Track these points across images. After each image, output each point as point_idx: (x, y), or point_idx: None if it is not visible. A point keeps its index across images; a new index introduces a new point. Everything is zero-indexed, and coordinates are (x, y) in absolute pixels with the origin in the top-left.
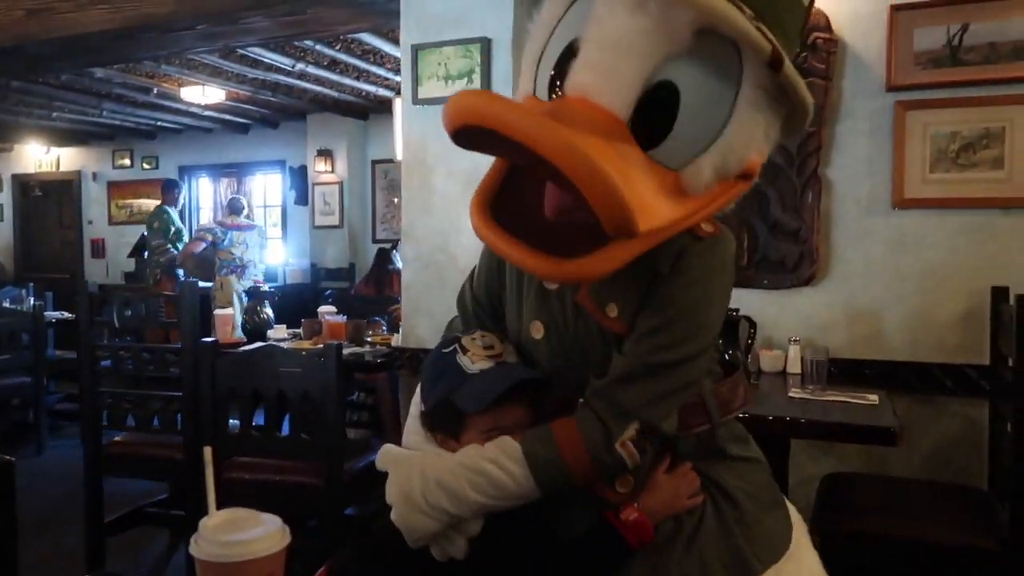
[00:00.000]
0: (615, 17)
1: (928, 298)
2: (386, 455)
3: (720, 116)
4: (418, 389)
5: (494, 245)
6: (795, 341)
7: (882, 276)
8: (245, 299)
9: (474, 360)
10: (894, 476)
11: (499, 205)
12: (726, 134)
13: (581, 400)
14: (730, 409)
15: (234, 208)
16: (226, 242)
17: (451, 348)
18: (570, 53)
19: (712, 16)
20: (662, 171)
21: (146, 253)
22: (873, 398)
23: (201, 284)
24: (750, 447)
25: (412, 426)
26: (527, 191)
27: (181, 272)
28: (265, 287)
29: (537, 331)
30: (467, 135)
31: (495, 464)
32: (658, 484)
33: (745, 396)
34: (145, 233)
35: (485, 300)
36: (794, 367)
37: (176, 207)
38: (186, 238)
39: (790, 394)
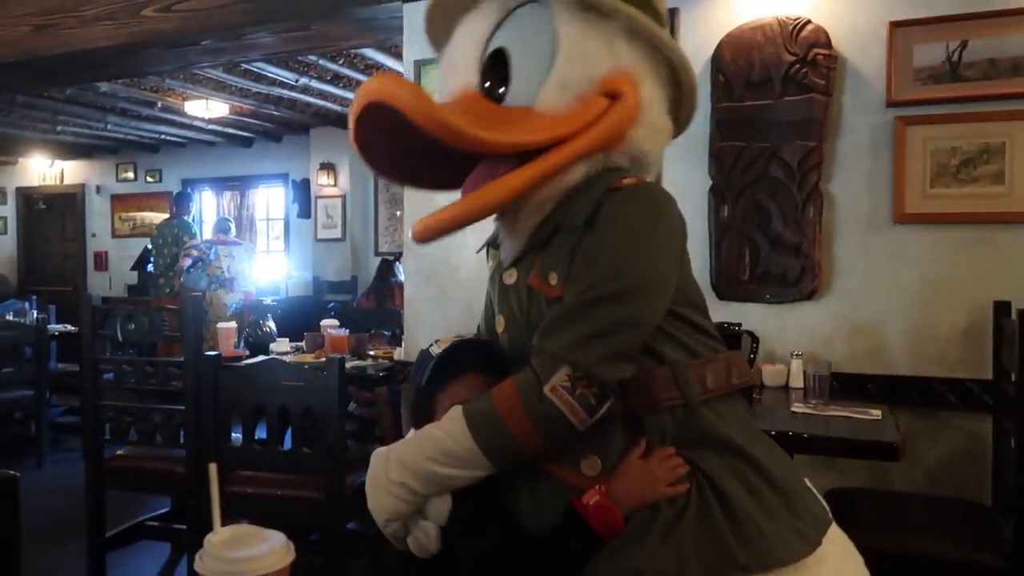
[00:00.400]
0: (460, 30)
1: (930, 312)
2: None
3: (547, 47)
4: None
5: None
6: (797, 355)
7: (884, 290)
8: (234, 312)
9: (441, 346)
10: (897, 491)
11: None
12: (558, 56)
13: None
14: (708, 388)
15: (221, 228)
16: (211, 257)
17: (429, 345)
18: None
19: None
20: (517, 110)
21: (150, 266)
22: (876, 413)
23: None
24: (768, 447)
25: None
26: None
27: (195, 278)
28: (262, 299)
29: (500, 325)
30: (367, 116)
31: (441, 429)
32: (630, 468)
33: (739, 375)
34: (149, 246)
35: (485, 332)
36: (796, 381)
37: (189, 216)
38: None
39: (792, 409)
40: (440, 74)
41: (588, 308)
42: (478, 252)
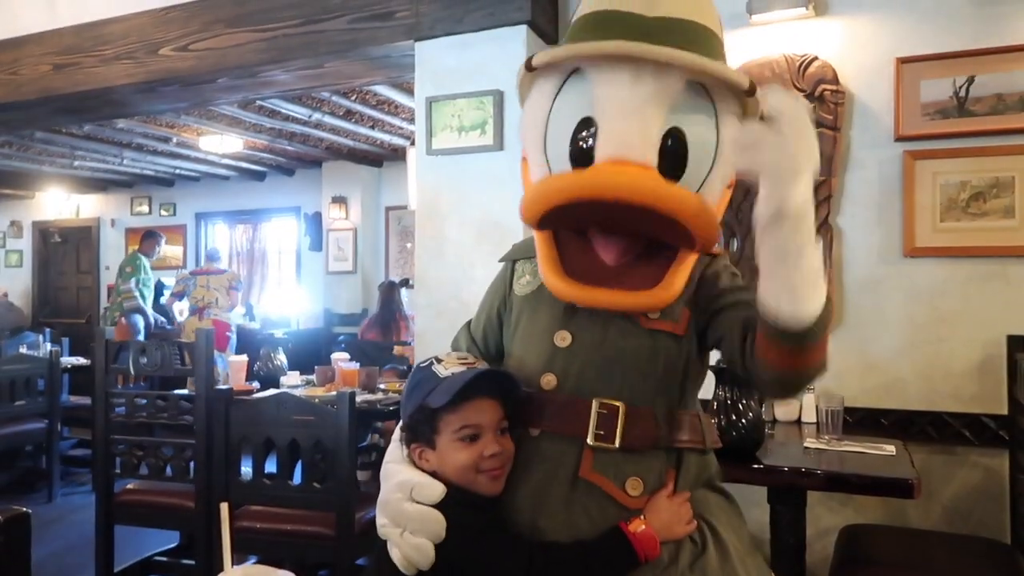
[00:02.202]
0: (620, 92)
1: (943, 347)
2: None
3: (712, 140)
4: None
5: (585, 299)
6: (810, 389)
7: (896, 324)
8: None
9: (447, 367)
10: (914, 528)
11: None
12: (721, 152)
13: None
14: (713, 439)
15: (211, 256)
16: (191, 288)
17: (428, 362)
18: (586, 128)
19: (701, 72)
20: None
21: (162, 299)
22: (890, 448)
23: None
24: (727, 493)
25: (392, 450)
26: (572, 253)
27: (137, 319)
28: (247, 322)
29: (563, 340)
30: (576, 208)
31: None
32: (660, 506)
33: (716, 438)
34: (119, 277)
35: (481, 339)
36: (809, 416)
37: (151, 258)
38: (150, 288)
39: (805, 444)
40: (561, 109)
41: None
42: (500, 261)
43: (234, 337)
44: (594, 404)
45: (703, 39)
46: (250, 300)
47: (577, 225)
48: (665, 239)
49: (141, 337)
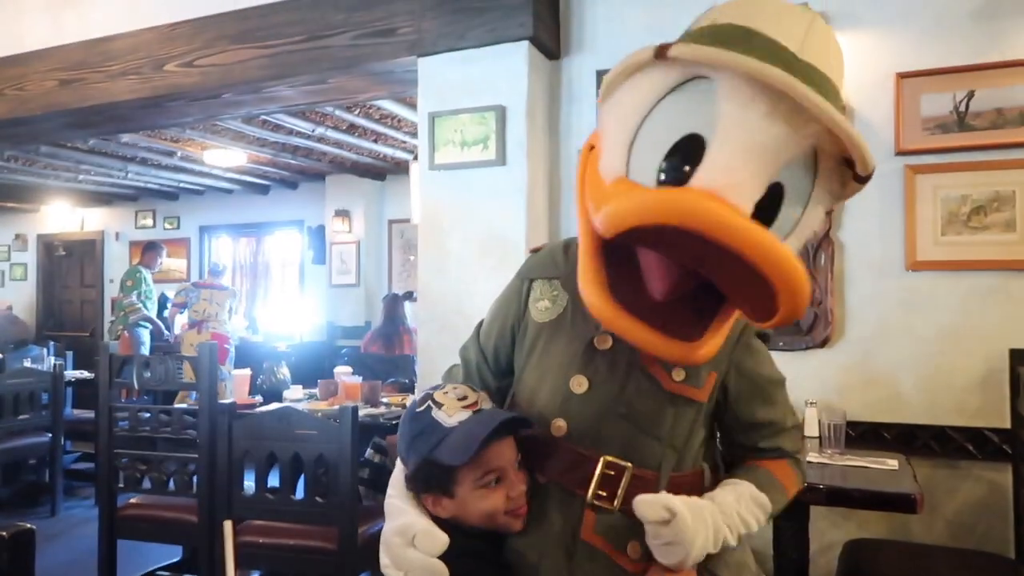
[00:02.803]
0: (749, 120)
1: (945, 360)
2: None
3: (802, 203)
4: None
5: (623, 329)
6: (812, 404)
7: (898, 338)
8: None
9: (451, 413)
10: (918, 543)
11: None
12: (803, 220)
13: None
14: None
15: (213, 271)
16: (192, 300)
17: (425, 406)
18: (689, 146)
19: (835, 127)
20: None
21: (166, 311)
22: (893, 463)
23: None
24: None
25: (395, 490)
26: (618, 275)
27: (141, 332)
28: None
29: (579, 385)
30: (655, 232)
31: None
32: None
33: None
34: (121, 291)
35: (491, 355)
36: (811, 430)
37: (153, 270)
38: (153, 300)
39: (808, 458)
40: (667, 111)
41: (799, 431)
42: (517, 277)
43: (233, 350)
44: (600, 463)
45: (834, 98)
46: (253, 313)
47: (650, 246)
48: (736, 295)
49: (146, 350)
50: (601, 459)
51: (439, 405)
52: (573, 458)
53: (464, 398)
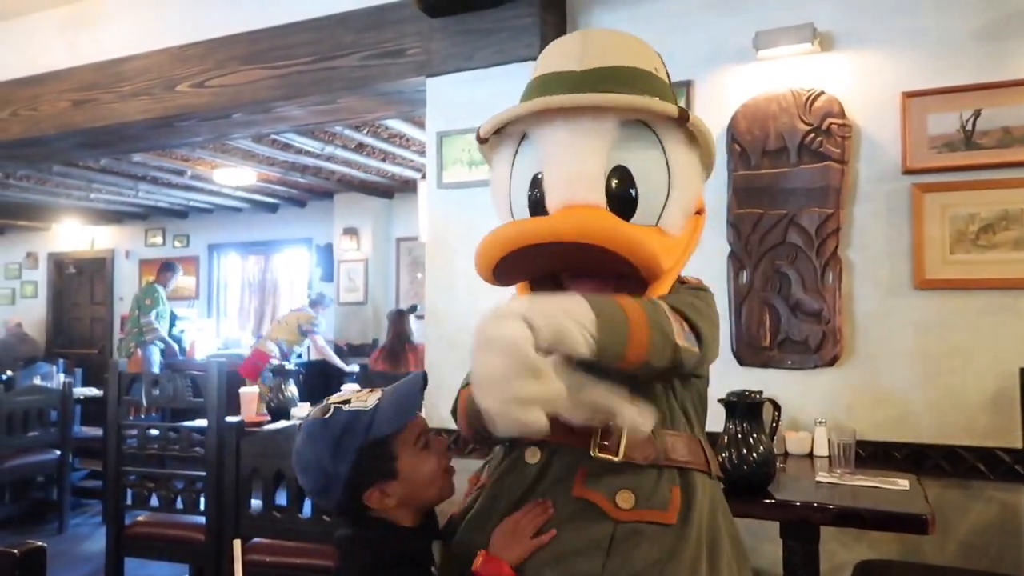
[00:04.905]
0: (558, 141)
1: (955, 379)
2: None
3: (662, 172)
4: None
5: None
6: (821, 423)
7: (907, 357)
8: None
9: (364, 400)
10: (930, 564)
11: None
12: (674, 183)
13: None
14: (716, 470)
15: (318, 301)
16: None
17: (331, 411)
18: (535, 185)
19: (628, 108)
20: (649, 228)
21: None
22: (903, 483)
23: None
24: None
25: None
26: None
27: (152, 351)
28: (284, 364)
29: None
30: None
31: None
32: (505, 525)
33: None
34: (137, 309)
35: None
36: (821, 449)
37: (167, 289)
38: (166, 318)
39: (817, 478)
40: (517, 173)
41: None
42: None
43: (268, 372)
44: None
45: (635, 79)
46: (261, 331)
47: (533, 274)
48: (623, 273)
49: (156, 369)
50: None
51: (346, 403)
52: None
53: (360, 391)
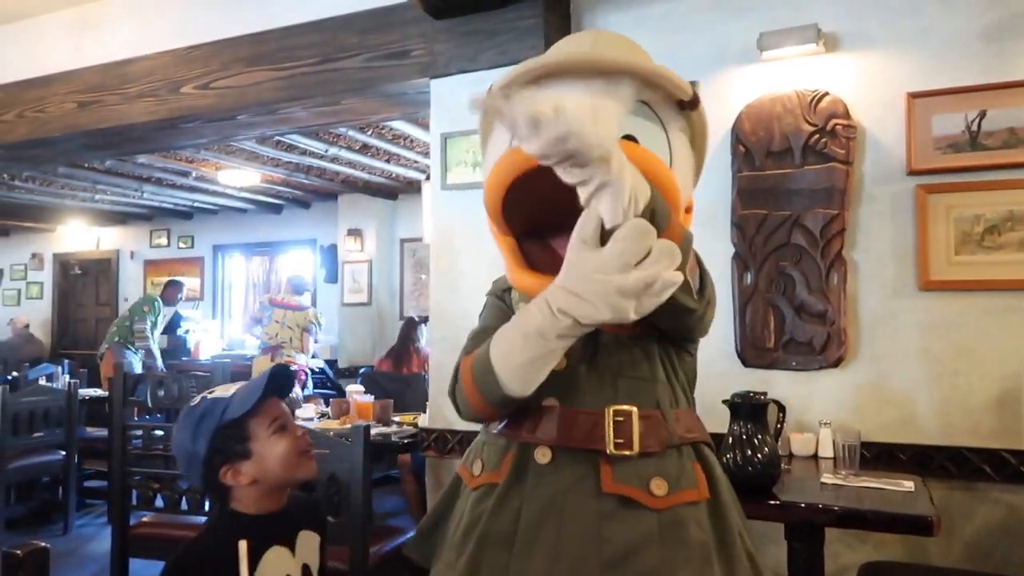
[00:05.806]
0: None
1: (960, 381)
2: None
3: (666, 156)
4: None
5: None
6: (825, 424)
7: (912, 358)
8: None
9: (227, 390)
10: (935, 566)
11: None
12: (676, 158)
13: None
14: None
15: (296, 287)
16: (265, 320)
17: (200, 399)
18: None
19: (651, 74)
20: None
21: (179, 331)
22: (908, 484)
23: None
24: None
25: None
26: (536, 255)
27: (129, 354)
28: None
29: (560, 365)
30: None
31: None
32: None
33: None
34: (131, 313)
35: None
36: (825, 451)
37: (171, 307)
38: (158, 328)
39: (822, 479)
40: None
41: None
42: (489, 295)
43: (299, 390)
44: (608, 412)
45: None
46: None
47: (538, 216)
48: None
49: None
50: (608, 409)
51: (211, 392)
52: (576, 418)
53: (229, 387)
